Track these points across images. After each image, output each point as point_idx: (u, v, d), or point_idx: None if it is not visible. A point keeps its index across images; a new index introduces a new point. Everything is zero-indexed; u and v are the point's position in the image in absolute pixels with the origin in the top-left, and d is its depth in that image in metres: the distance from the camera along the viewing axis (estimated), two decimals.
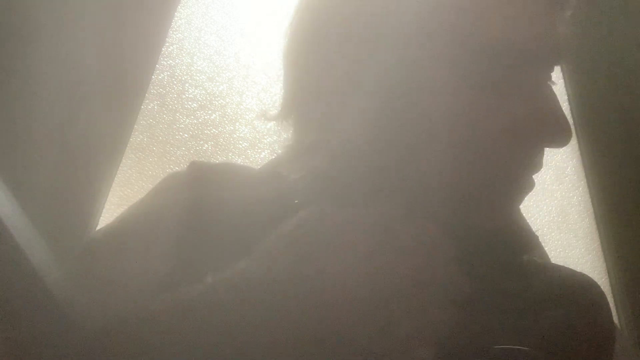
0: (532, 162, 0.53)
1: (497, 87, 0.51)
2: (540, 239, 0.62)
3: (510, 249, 0.58)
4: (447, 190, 0.53)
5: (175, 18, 0.94)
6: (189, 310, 0.46)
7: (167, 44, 0.94)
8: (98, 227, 0.91)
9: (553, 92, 0.53)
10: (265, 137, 0.97)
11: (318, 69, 0.55)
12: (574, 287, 0.60)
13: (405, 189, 0.53)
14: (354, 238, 0.45)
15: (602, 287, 0.63)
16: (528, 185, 0.54)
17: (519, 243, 0.59)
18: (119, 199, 0.92)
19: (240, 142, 0.96)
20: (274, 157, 0.64)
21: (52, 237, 0.51)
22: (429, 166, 0.52)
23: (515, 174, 0.53)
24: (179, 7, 0.94)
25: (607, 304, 0.61)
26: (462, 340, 0.50)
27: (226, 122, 0.96)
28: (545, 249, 0.67)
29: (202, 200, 0.56)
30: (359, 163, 0.55)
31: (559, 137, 0.52)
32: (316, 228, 0.46)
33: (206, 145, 0.95)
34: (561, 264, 0.66)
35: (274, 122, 0.61)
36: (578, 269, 0.65)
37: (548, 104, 0.52)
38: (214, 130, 0.96)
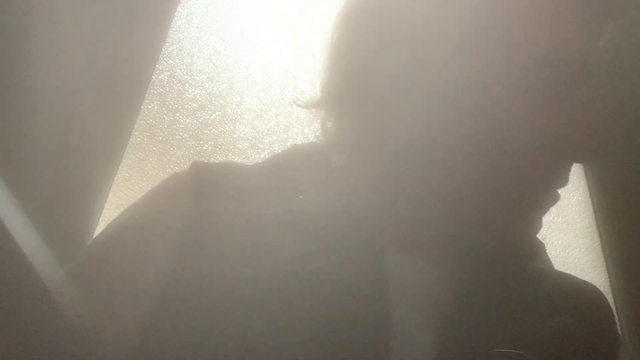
0: (562, 177, 0.54)
1: (543, 100, 0.51)
2: (541, 240, 0.62)
3: (515, 256, 0.58)
4: (480, 197, 0.53)
5: (175, 18, 0.94)
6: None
7: (167, 44, 0.94)
8: (98, 227, 0.91)
9: (594, 107, 0.53)
10: (265, 137, 0.96)
11: (372, 66, 0.55)
12: (578, 295, 0.60)
13: (438, 192, 0.53)
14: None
15: (602, 288, 0.63)
16: (554, 199, 0.55)
17: (524, 250, 0.59)
18: (119, 199, 0.92)
19: (240, 142, 0.96)
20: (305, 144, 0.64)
21: (52, 237, 0.50)
22: (466, 172, 0.52)
23: (546, 187, 0.53)
24: (179, 7, 0.94)
25: (612, 312, 0.61)
26: (465, 343, 0.50)
27: (226, 122, 0.96)
28: (547, 250, 0.67)
29: (203, 202, 0.56)
30: (401, 163, 0.55)
31: (592, 156, 0.53)
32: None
33: (206, 145, 0.95)
34: (561, 264, 0.66)
35: (307, 109, 0.60)
36: (578, 269, 0.65)
37: (587, 122, 0.52)
38: (214, 130, 0.96)
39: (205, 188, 0.57)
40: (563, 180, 0.54)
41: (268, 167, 0.62)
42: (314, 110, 0.60)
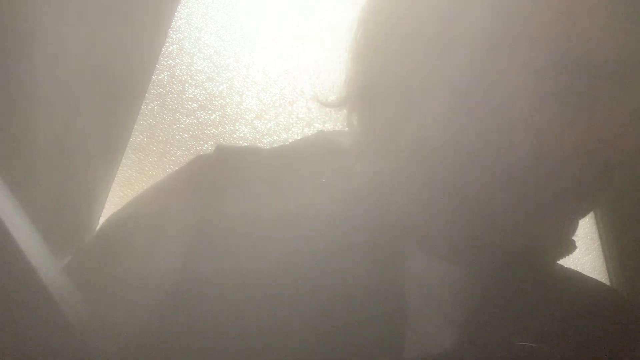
0: (597, 181, 0.52)
1: (575, 101, 0.49)
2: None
3: (542, 256, 0.58)
4: (505, 201, 0.52)
5: (175, 18, 0.94)
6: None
7: (167, 44, 0.94)
8: (98, 227, 0.91)
9: (625, 109, 0.51)
10: (265, 137, 0.96)
11: (395, 66, 0.54)
12: (603, 298, 0.60)
13: (465, 194, 0.53)
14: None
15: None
16: (589, 204, 0.53)
17: (552, 250, 0.59)
18: (119, 199, 0.92)
19: (240, 142, 0.96)
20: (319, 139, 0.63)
21: (52, 237, 0.50)
22: (495, 175, 0.51)
23: (575, 192, 0.52)
24: (179, 7, 0.93)
25: (634, 317, 0.61)
26: (484, 339, 0.50)
27: (226, 122, 0.96)
28: None
29: (228, 185, 0.55)
30: (422, 163, 0.54)
31: (624, 160, 0.51)
32: None
33: (206, 145, 0.95)
34: (561, 263, 0.66)
35: (330, 107, 0.60)
36: (578, 269, 0.64)
37: (621, 126, 0.50)
38: (214, 130, 0.96)
39: (228, 171, 0.57)
40: (598, 184, 0.52)
41: (292, 152, 0.61)
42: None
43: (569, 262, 1.02)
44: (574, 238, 0.56)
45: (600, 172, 0.51)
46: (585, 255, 1.02)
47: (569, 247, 0.59)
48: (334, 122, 0.93)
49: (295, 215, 0.51)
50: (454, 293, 0.53)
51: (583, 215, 0.54)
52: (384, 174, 0.55)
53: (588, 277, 0.64)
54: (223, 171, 0.57)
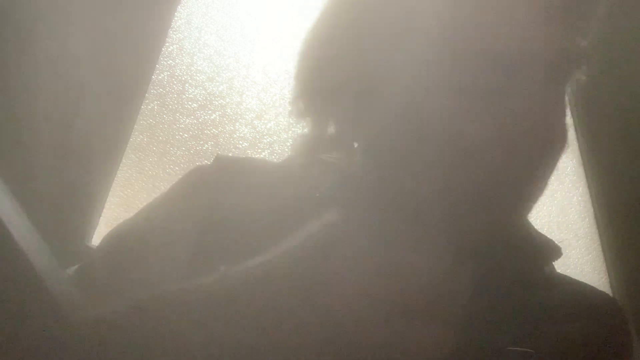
0: (526, 172, 0.52)
1: (487, 94, 0.50)
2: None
3: (531, 260, 0.58)
4: (440, 195, 0.52)
5: (175, 18, 0.94)
6: (201, 298, 0.46)
7: (167, 44, 0.94)
8: (98, 227, 0.91)
9: (551, 102, 0.51)
10: (265, 137, 0.97)
11: (332, 67, 0.55)
12: (594, 303, 0.60)
13: (404, 196, 0.53)
14: (371, 251, 0.46)
15: (602, 288, 0.63)
16: (527, 195, 0.53)
17: (540, 254, 0.59)
18: (119, 199, 0.92)
19: (240, 142, 0.96)
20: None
21: (52, 237, 0.51)
22: (423, 171, 0.52)
23: (511, 184, 0.52)
24: (179, 7, 0.94)
25: (626, 323, 0.61)
26: (474, 342, 0.50)
27: (226, 122, 0.96)
28: None
29: (227, 196, 0.56)
30: (374, 166, 0.55)
31: (544, 150, 0.51)
32: (339, 233, 0.47)
33: (206, 145, 0.96)
34: (561, 264, 0.66)
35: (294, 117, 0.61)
36: (578, 269, 0.65)
37: (540, 115, 0.50)
38: (214, 130, 0.96)
39: (227, 182, 0.57)
40: (520, 176, 0.52)
41: (289, 164, 0.62)
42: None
43: (569, 262, 1.02)
44: (572, 237, 0.56)
45: (521, 165, 0.51)
46: (585, 255, 1.02)
47: (555, 252, 0.60)
48: None
49: (292, 224, 0.51)
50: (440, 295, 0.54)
51: (512, 209, 0.54)
52: (344, 177, 0.56)
53: (580, 282, 0.64)
54: (222, 182, 0.57)
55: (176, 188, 0.62)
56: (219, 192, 0.57)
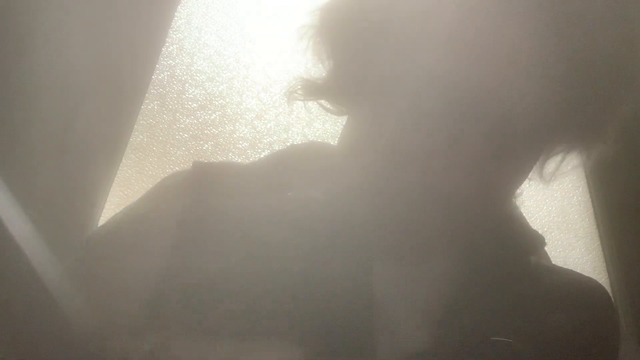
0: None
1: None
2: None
3: (516, 250, 0.58)
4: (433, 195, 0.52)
5: (175, 18, 0.94)
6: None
7: (167, 44, 0.94)
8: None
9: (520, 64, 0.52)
10: (265, 137, 0.97)
11: (362, 63, 0.55)
12: (580, 291, 0.60)
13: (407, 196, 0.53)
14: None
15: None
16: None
17: (525, 244, 0.59)
18: (119, 199, 0.92)
19: (240, 142, 0.96)
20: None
21: (52, 237, 0.50)
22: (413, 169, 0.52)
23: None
24: (179, 7, 0.94)
25: (614, 309, 0.61)
26: (462, 334, 0.50)
27: (226, 122, 0.96)
28: (546, 249, 0.67)
29: (203, 200, 0.56)
30: (394, 164, 0.55)
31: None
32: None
33: (206, 145, 0.96)
34: (561, 264, 0.66)
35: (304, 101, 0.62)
36: (578, 269, 0.65)
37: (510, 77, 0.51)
38: (214, 130, 0.96)
39: (204, 185, 0.57)
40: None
41: (264, 165, 0.63)
42: (314, 110, 0.61)
43: (569, 262, 1.02)
44: (572, 237, 0.56)
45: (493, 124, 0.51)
46: (585, 255, 1.02)
47: (538, 241, 0.61)
48: (333, 122, 0.93)
49: (265, 223, 0.52)
50: (426, 293, 0.54)
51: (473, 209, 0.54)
52: (355, 177, 0.56)
53: (569, 270, 0.64)
54: (198, 186, 0.58)
55: (152, 193, 0.62)
56: (195, 196, 0.57)
